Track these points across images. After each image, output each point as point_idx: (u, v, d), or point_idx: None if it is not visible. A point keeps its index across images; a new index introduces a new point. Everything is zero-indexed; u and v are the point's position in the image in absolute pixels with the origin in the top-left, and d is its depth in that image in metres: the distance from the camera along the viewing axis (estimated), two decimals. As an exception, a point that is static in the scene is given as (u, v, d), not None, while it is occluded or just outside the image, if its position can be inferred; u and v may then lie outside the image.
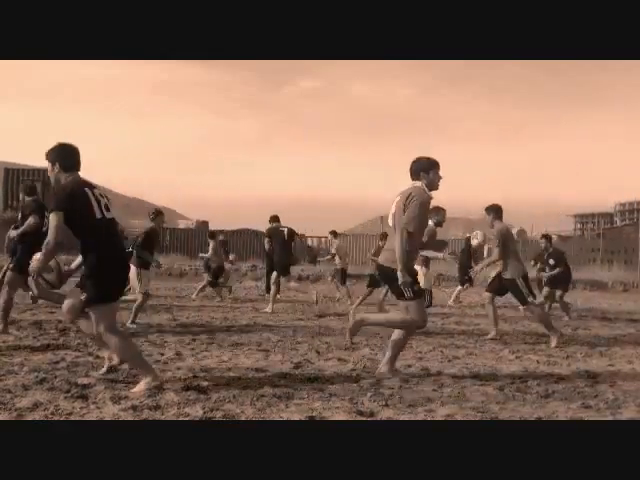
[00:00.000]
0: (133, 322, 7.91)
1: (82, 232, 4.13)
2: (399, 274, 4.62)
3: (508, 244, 7.25)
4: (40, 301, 9.54)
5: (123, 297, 8.75)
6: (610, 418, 3.82)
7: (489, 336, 7.58)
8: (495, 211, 7.40)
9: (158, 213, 8.70)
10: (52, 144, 4.29)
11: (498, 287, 7.63)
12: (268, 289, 13.93)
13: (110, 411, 3.63)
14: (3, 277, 7.05)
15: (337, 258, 12.76)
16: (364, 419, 3.62)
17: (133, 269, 8.19)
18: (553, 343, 7.03)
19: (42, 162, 4.39)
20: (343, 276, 12.75)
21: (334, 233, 13.47)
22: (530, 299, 7.15)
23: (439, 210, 7.86)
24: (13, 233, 6.96)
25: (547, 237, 11.54)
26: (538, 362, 5.98)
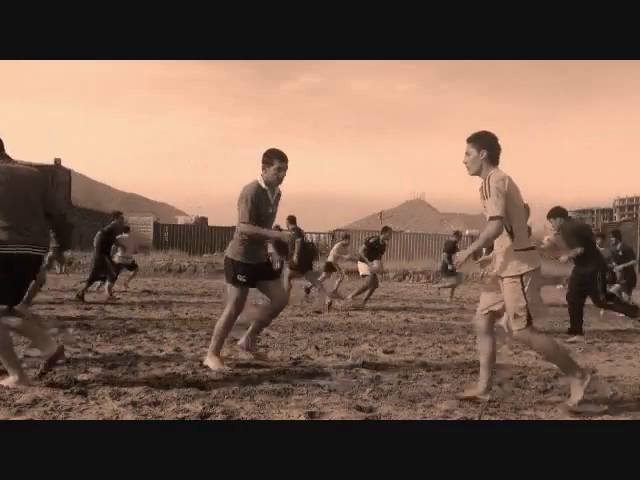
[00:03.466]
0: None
1: None
2: None
3: None
4: (41, 297, 9.49)
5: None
6: (609, 414, 3.82)
7: None
8: None
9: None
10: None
11: None
12: None
13: (110, 407, 3.63)
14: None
15: (120, 251, 12.92)
16: (363, 415, 3.62)
17: None
18: None
19: (41, 158, 4.39)
20: (117, 267, 12.80)
21: (126, 229, 13.48)
22: None
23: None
24: None
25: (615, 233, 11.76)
26: (537, 357, 5.98)
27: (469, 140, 3.99)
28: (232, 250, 5.13)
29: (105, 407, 3.63)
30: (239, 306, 5.18)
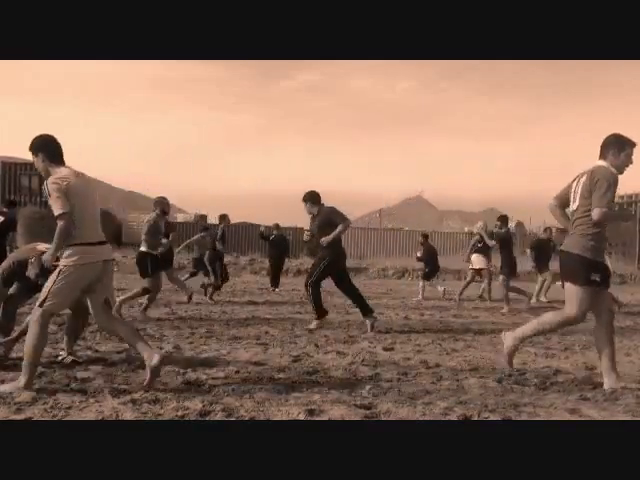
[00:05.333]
0: None
1: None
2: None
3: None
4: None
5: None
6: (608, 411, 3.83)
7: None
8: None
9: None
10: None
11: None
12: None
13: (109, 405, 3.63)
14: None
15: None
16: (363, 412, 3.63)
17: None
18: None
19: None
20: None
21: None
22: None
23: None
24: None
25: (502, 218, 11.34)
26: (536, 355, 6.00)
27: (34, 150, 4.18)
28: (578, 245, 4.43)
29: (105, 405, 3.64)
30: (584, 311, 4.46)
